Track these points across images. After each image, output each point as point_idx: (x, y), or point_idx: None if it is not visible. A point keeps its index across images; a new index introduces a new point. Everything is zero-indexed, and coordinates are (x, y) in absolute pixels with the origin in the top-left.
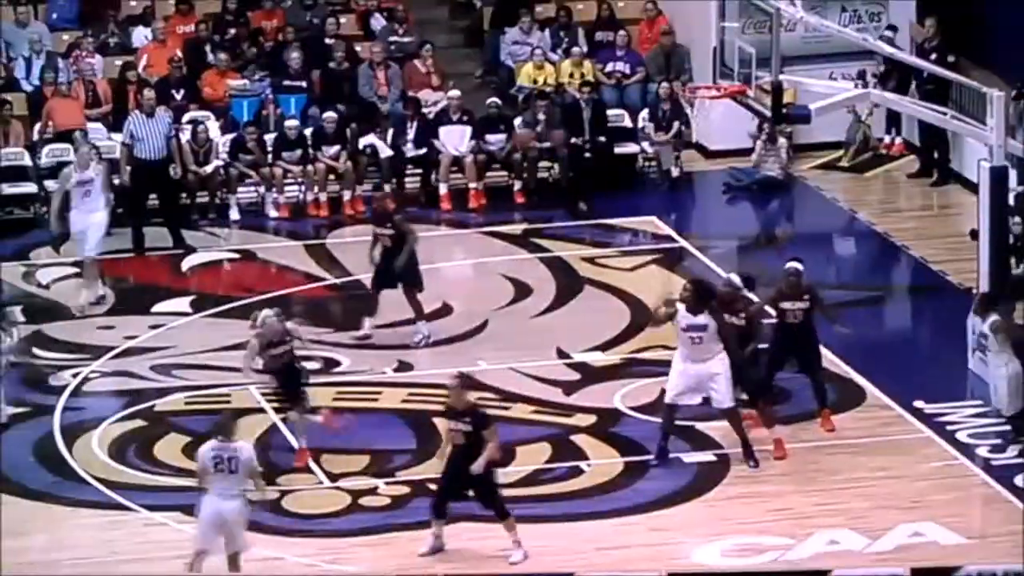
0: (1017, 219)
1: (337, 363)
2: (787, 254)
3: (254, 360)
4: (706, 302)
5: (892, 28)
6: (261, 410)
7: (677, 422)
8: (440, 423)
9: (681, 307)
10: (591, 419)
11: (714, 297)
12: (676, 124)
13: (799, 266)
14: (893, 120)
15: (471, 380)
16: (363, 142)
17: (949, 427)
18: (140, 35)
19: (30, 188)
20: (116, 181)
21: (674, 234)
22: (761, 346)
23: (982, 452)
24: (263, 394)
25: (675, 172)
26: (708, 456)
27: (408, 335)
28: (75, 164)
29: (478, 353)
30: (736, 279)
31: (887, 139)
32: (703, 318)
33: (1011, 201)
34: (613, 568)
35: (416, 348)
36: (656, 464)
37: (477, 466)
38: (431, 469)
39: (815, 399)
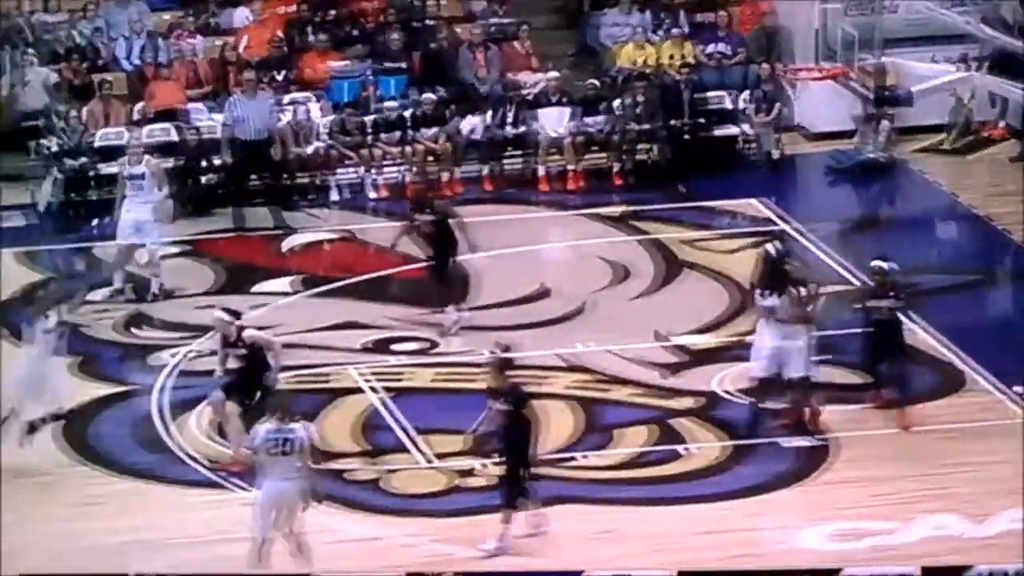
0: None
1: (435, 344)
2: (888, 238)
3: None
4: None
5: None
6: (361, 390)
7: (783, 406)
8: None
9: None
10: (690, 402)
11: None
12: (777, 106)
13: (884, 264)
14: (997, 103)
15: (508, 361)
16: (462, 124)
17: None
18: (240, 15)
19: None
20: (218, 161)
21: (774, 216)
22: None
23: None
24: (363, 374)
25: (776, 154)
26: (810, 441)
27: (507, 316)
28: (127, 158)
29: (576, 336)
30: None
31: (996, 123)
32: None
33: None
34: (711, 551)
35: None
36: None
37: (534, 452)
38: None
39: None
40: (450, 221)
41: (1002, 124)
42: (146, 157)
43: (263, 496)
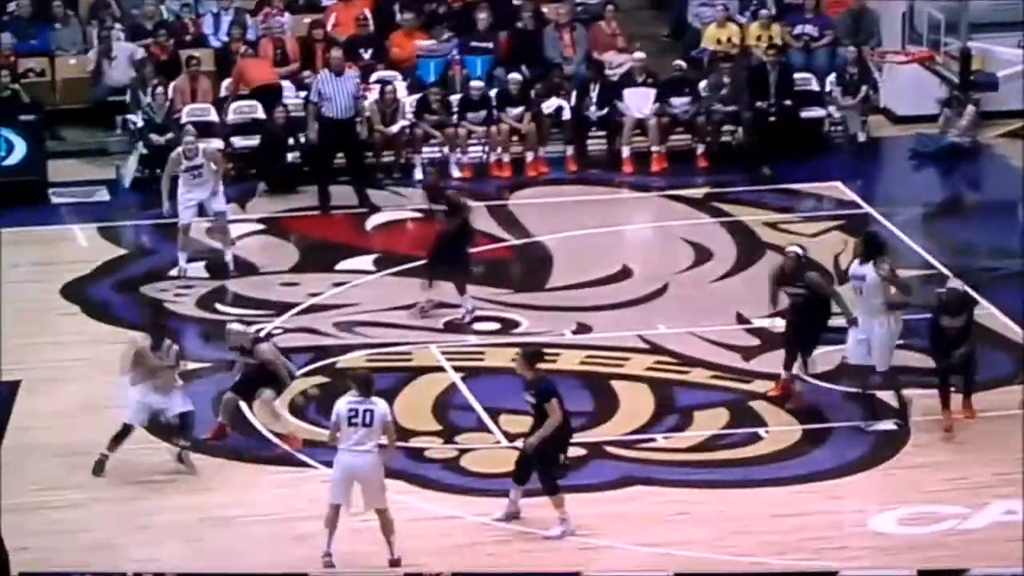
0: None
1: (516, 324)
2: (971, 222)
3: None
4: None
5: None
6: (441, 368)
7: (858, 390)
8: None
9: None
10: (770, 385)
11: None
12: (864, 88)
13: (958, 286)
14: None
15: (536, 354)
16: (547, 105)
17: None
18: None
19: (217, 144)
20: (303, 139)
21: (859, 200)
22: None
23: None
24: (443, 353)
25: (861, 137)
26: (887, 425)
27: (588, 297)
28: (182, 152)
29: (658, 317)
30: (798, 249)
31: None
32: (866, 269)
33: None
34: (787, 534)
35: (464, 323)
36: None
37: (529, 444)
38: (608, 431)
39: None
40: (466, 214)
41: None
42: (200, 147)
43: (337, 466)
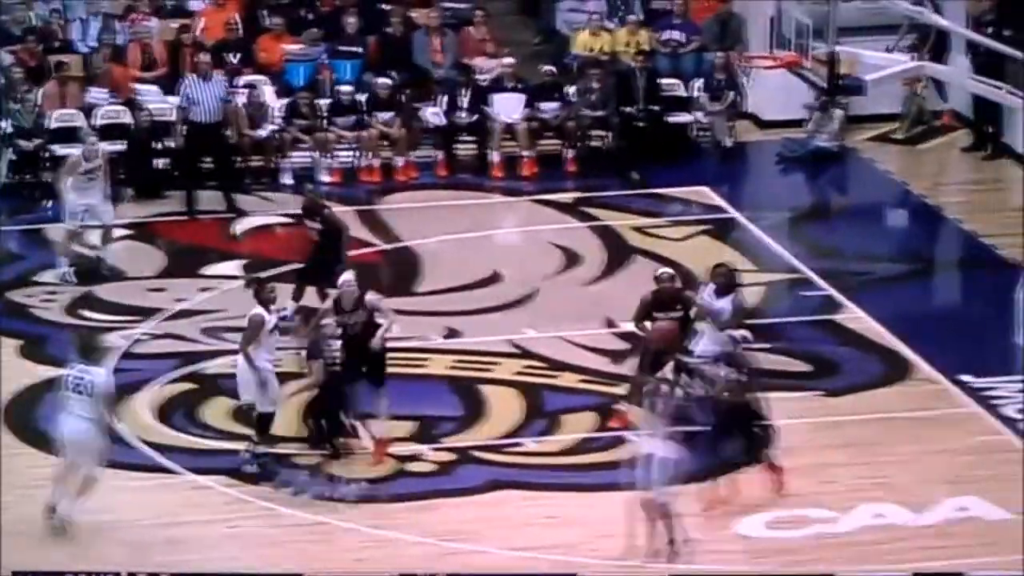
0: None
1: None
2: (838, 226)
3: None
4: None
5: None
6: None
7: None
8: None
9: (708, 288)
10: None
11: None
12: (730, 94)
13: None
14: (941, 90)
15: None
16: (417, 109)
17: (996, 402)
18: None
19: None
20: (172, 144)
21: (725, 204)
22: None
23: None
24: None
25: (728, 142)
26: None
27: (458, 301)
28: (83, 154)
29: (527, 321)
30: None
31: (944, 108)
32: (725, 302)
33: None
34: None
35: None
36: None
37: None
38: (477, 436)
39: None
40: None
41: (946, 108)
42: (100, 150)
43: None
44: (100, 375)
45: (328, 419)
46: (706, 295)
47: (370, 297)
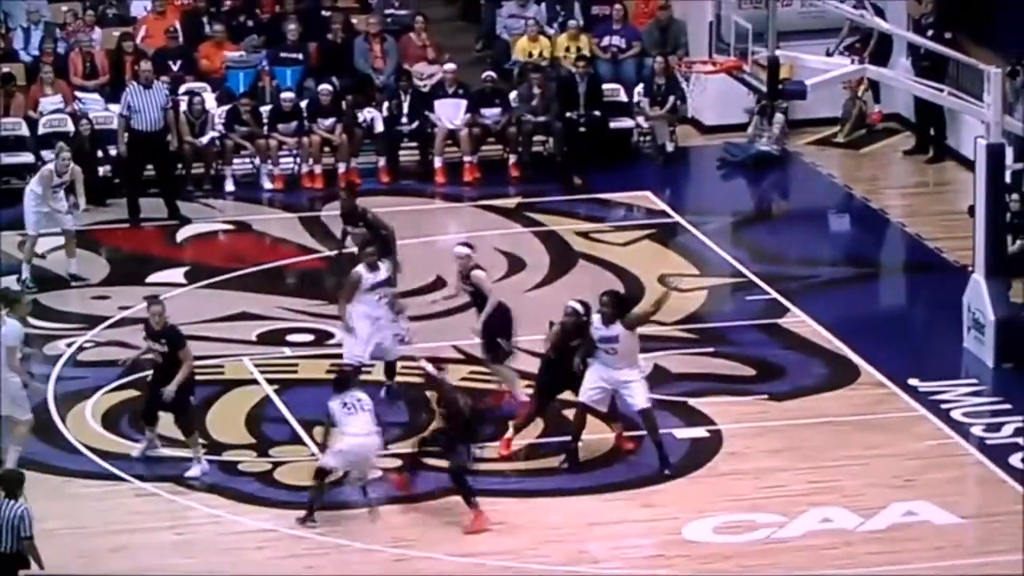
0: (1015, 196)
1: (330, 336)
2: (781, 230)
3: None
4: (622, 313)
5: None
6: (254, 381)
7: (672, 397)
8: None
9: (596, 318)
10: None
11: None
12: (671, 99)
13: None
14: (876, 92)
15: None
16: (359, 115)
17: (943, 405)
18: (139, 6)
19: (27, 158)
20: (113, 152)
21: (668, 209)
22: None
23: (976, 431)
24: (256, 365)
25: (670, 147)
26: (701, 432)
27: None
28: (55, 168)
29: (471, 326)
30: (578, 306)
31: (876, 109)
32: (616, 329)
33: (1008, 179)
34: (602, 541)
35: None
36: (566, 465)
37: (170, 391)
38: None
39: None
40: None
41: (877, 108)
42: (72, 167)
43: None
44: (4, 325)
45: None
46: (601, 330)
47: (477, 273)
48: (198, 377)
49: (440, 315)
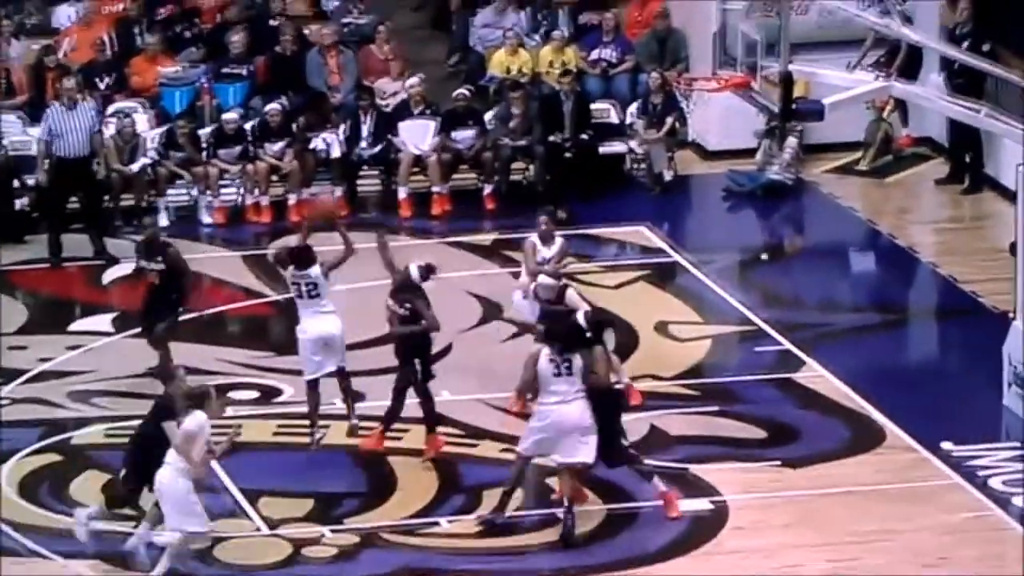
0: None
1: (278, 392)
2: (795, 271)
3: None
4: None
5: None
6: None
7: (671, 464)
8: None
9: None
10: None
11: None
12: (670, 120)
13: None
14: (905, 114)
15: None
16: (312, 138)
17: (981, 472)
18: (63, 15)
19: None
20: (32, 181)
21: (666, 246)
22: None
23: (1019, 502)
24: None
25: (668, 175)
26: (704, 504)
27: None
28: None
29: (441, 382)
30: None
31: (904, 132)
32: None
33: None
34: None
35: None
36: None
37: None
38: (384, 516)
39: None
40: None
41: (905, 131)
42: None
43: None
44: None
45: None
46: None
47: (570, 293)
48: (127, 440)
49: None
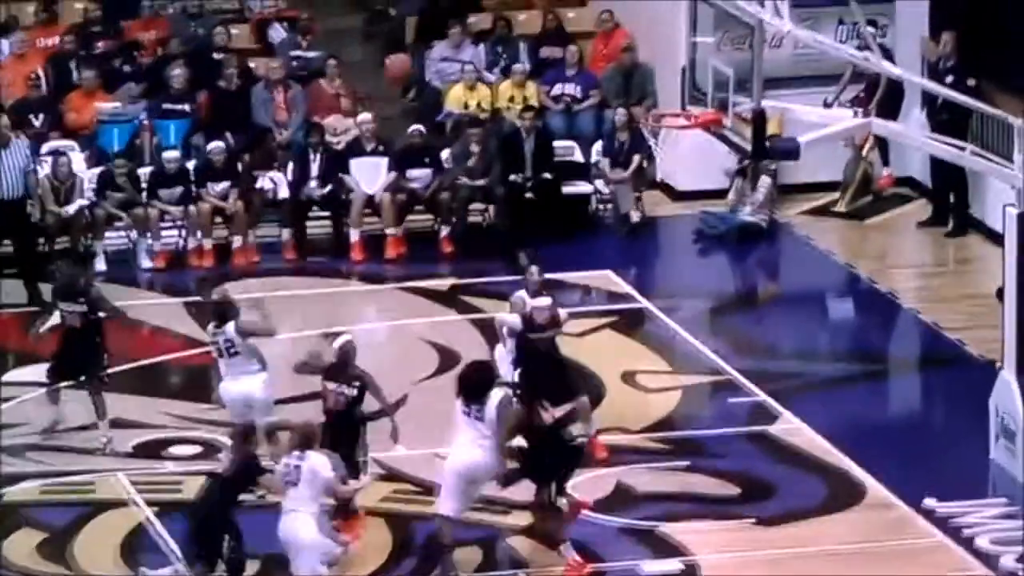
0: None
1: (221, 448)
2: (770, 318)
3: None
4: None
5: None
6: (128, 503)
7: (637, 523)
8: None
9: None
10: (531, 517)
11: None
12: (637, 159)
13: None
14: (885, 153)
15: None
16: (258, 178)
17: (967, 530)
18: None
19: None
20: None
21: (634, 292)
22: None
23: (1008, 562)
24: (133, 483)
25: (635, 217)
26: (673, 565)
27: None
28: None
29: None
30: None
31: (884, 172)
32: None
33: None
34: None
35: (103, 455)
36: None
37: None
38: None
39: None
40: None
41: (886, 171)
42: None
43: None
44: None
45: None
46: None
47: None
48: (63, 497)
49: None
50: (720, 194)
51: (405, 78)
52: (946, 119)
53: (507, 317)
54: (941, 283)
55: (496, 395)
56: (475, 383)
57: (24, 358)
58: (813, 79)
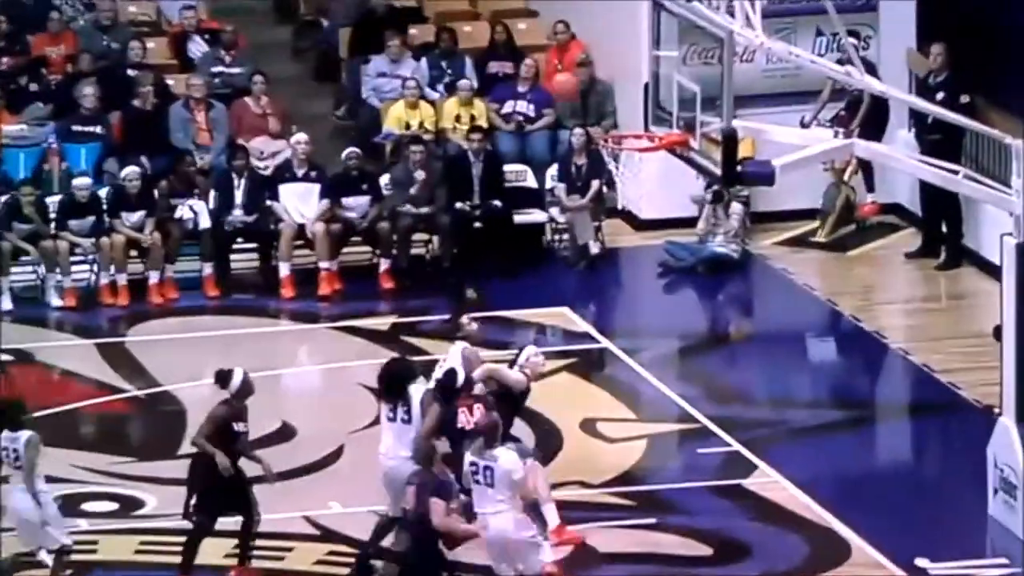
0: None
1: (140, 503)
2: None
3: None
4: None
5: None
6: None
7: None
8: None
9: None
10: None
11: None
12: (595, 184)
13: None
14: (869, 177)
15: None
16: (177, 207)
17: None
18: None
19: None
20: None
21: (593, 331)
22: None
23: None
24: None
25: (594, 248)
26: None
27: None
28: None
29: (330, 491)
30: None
31: (868, 198)
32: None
33: None
34: None
35: None
36: None
37: None
38: None
39: None
40: None
41: (870, 198)
42: None
43: None
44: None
45: None
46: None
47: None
48: None
49: (285, 476)
50: (687, 223)
51: (575, 96)
52: (937, 140)
53: (510, 374)
54: (932, 321)
55: (417, 392)
56: (394, 376)
57: None
58: (789, 96)
